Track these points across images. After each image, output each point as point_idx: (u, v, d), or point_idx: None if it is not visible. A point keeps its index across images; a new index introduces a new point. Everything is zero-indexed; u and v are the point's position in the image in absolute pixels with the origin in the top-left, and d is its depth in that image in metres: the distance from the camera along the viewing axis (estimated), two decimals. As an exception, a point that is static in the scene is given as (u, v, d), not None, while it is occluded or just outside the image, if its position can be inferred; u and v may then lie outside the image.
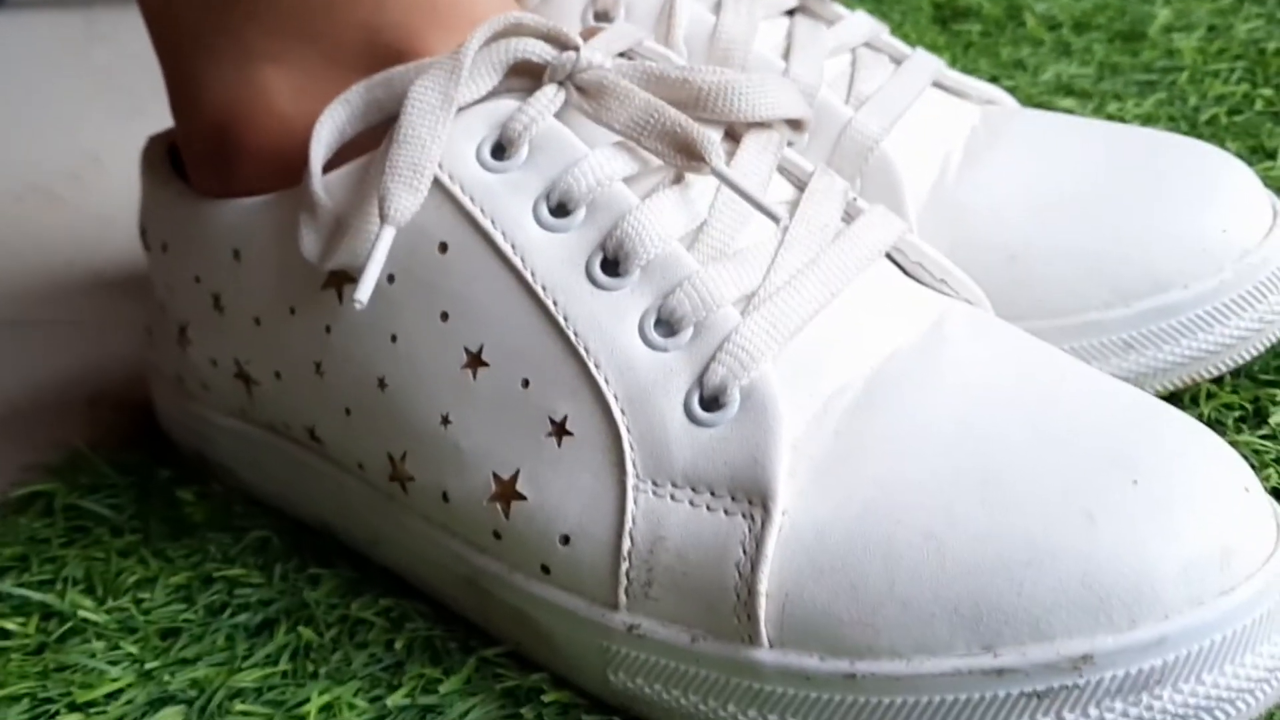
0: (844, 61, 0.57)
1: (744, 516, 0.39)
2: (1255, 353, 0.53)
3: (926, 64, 0.58)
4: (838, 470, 0.39)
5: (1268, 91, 0.75)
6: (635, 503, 0.40)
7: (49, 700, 0.45)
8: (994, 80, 0.80)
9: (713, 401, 0.40)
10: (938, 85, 0.58)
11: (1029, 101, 0.76)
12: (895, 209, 0.53)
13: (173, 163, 0.53)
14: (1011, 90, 0.77)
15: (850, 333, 0.41)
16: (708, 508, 0.39)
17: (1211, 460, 0.38)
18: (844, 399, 0.40)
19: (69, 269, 0.74)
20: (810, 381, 0.40)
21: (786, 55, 0.56)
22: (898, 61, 0.58)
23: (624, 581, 0.40)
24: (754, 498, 0.39)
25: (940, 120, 0.56)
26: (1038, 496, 0.36)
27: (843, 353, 0.41)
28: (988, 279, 0.49)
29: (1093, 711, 0.35)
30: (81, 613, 0.48)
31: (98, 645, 0.47)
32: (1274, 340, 0.53)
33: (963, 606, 0.36)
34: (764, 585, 0.38)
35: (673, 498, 0.40)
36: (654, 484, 0.40)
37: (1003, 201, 0.53)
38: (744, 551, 0.38)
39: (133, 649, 0.47)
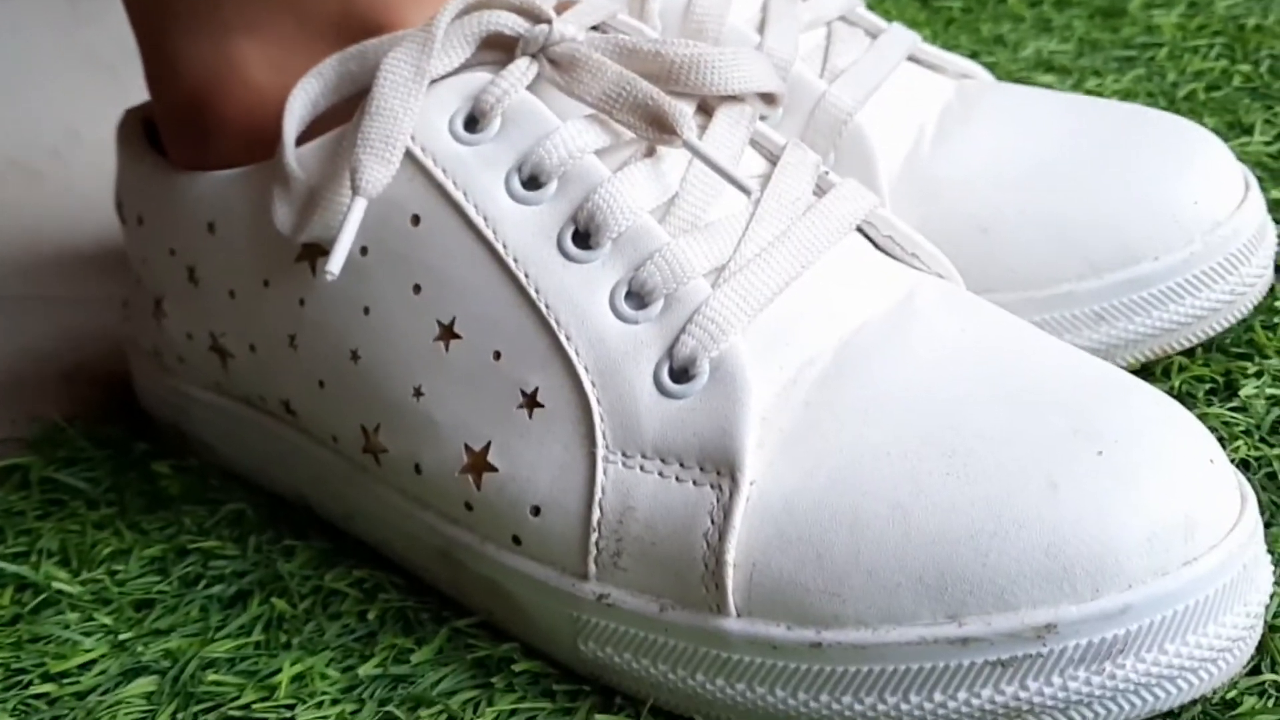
0: (819, 35, 0.57)
1: (712, 487, 0.39)
2: (1226, 325, 0.53)
3: (902, 38, 0.58)
4: (806, 441, 0.39)
5: (1246, 68, 0.75)
6: (605, 473, 0.40)
7: (23, 670, 0.45)
8: (974, 56, 0.80)
9: (682, 373, 0.40)
10: (913, 59, 0.58)
11: (1008, 78, 0.76)
12: (868, 182, 0.53)
13: (150, 137, 0.53)
14: (991, 66, 0.77)
15: (820, 305, 0.42)
16: (676, 478, 0.39)
17: (1177, 432, 0.38)
18: (813, 370, 0.40)
19: (48, 245, 0.74)
20: (780, 353, 0.40)
21: (761, 28, 0.55)
22: (873, 36, 0.58)
23: (593, 551, 0.40)
24: (722, 468, 0.39)
25: (915, 94, 0.56)
26: (1003, 467, 0.37)
27: (812, 325, 0.41)
28: (960, 251, 0.49)
29: (1056, 680, 0.35)
30: (56, 584, 0.49)
31: (72, 616, 0.47)
32: (1245, 312, 0.53)
33: (928, 576, 0.36)
34: (731, 555, 0.38)
35: (642, 469, 0.40)
36: (624, 455, 0.40)
37: (976, 174, 0.53)
38: (712, 522, 0.39)
39: (107, 620, 0.47)
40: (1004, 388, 0.39)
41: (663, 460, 0.40)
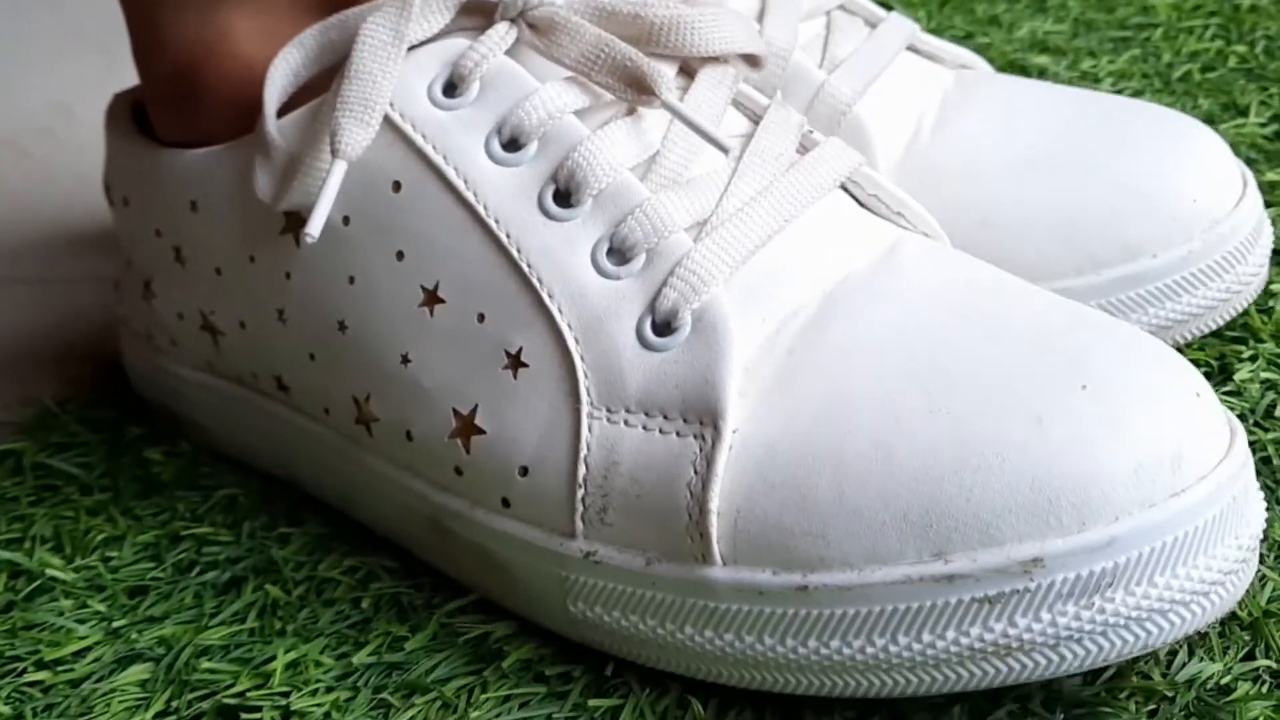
0: (819, 25, 0.57)
1: (695, 437, 0.39)
2: (1222, 322, 0.53)
3: (901, 28, 0.58)
4: (789, 387, 0.39)
5: (1241, 48, 0.75)
6: (590, 430, 0.40)
7: (17, 658, 0.45)
8: (969, 37, 0.80)
9: (665, 326, 0.40)
10: (912, 49, 0.58)
11: (1003, 58, 0.76)
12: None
13: (138, 121, 0.54)
14: (986, 47, 0.77)
15: (804, 259, 0.41)
16: (660, 431, 0.39)
17: (1162, 366, 0.37)
18: (797, 322, 0.40)
19: (40, 225, 0.74)
20: (763, 305, 0.40)
21: (760, 17, 0.55)
22: (872, 25, 0.58)
23: (580, 508, 0.40)
24: (705, 418, 0.39)
25: (913, 84, 0.56)
26: (987, 402, 0.36)
27: (796, 278, 0.41)
28: (959, 243, 0.49)
29: (1045, 615, 0.35)
30: (50, 571, 0.48)
31: (66, 603, 0.47)
32: (1240, 309, 0.53)
33: (912, 514, 0.36)
34: (715, 503, 0.38)
35: (626, 423, 0.40)
36: (608, 410, 0.40)
37: (975, 167, 0.53)
38: (695, 471, 0.38)
39: (101, 607, 0.47)
40: (988, 328, 0.39)
41: (646, 414, 0.40)
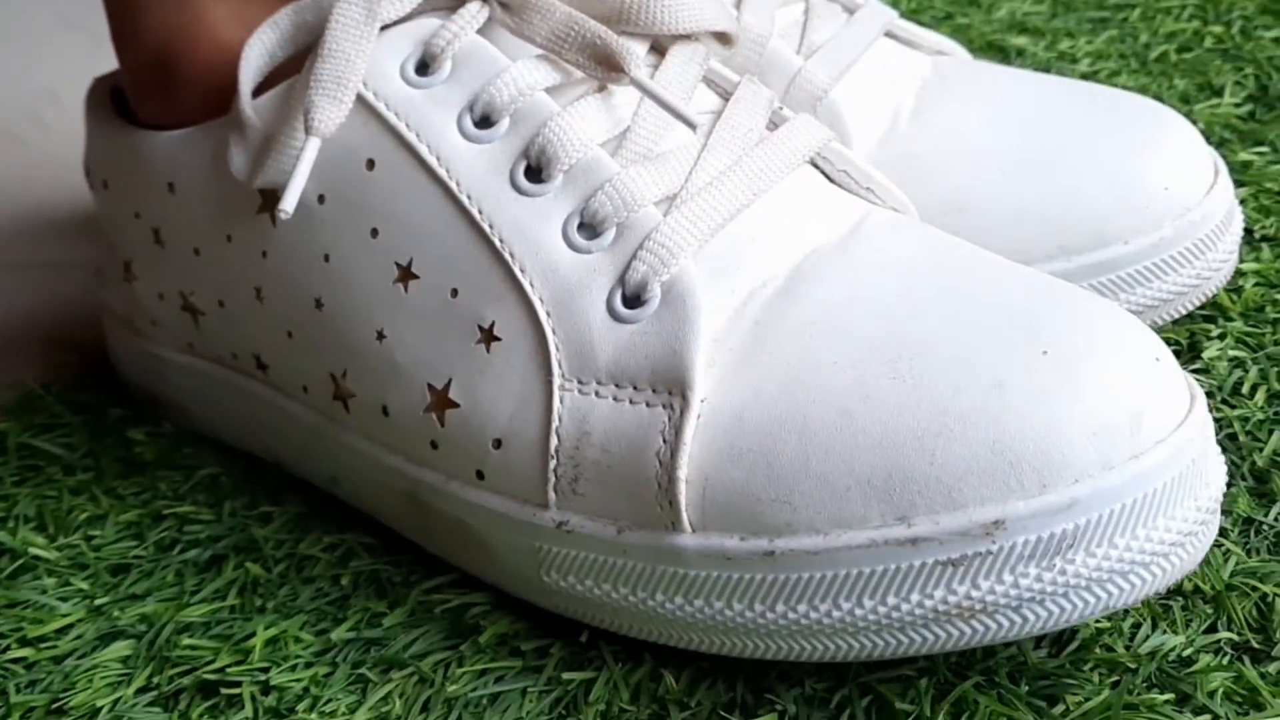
0: (797, 10, 0.57)
1: (664, 407, 0.39)
2: (1192, 307, 0.53)
3: (879, 14, 0.58)
4: (757, 356, 0.39)
5: (1217, 29, 0.76)
6: (561, 401, 0.40)
7: (0, 635, 0.45)
8: (948, 18, 0.80)
9: (635, 299, 0.40)
10: (890, 35, 0.58)
11: (982, 39, 0.77)
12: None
13: (117, 105, 0.54)
14: (965, 28, 0.78)
15: (773, 232, 0.42)
16: (630, 401, 0.40)
17: (1121, 331, 0.38)
18: (765, 293, 0.41)
19: (27, 210, 0.74)
20: (731, 278, 0.41)
21: (738, 3, 0.56)
22: (851, 11, 0.58)
23: (552, 479, 0.41)
24: (673, 388, 0.39)
25: (891, 71, 0.56)
26: (949, 369, 0.37)
27: (764, 250, 0.41)
28: (934, 229, 0.50)
29: (1007, 577, 0.35)
30: (33, 550, 0.49)
31: (49, 582, 0.48)
32: (1210, 295, 0.54)
33: (876, 478, 0.36)
34: (683, 471, 0.38)
35: (597, 394, 0.40)
36: (579, 382, 0.40)
37: (950, 154, 0.54)
38: (664, 440, 0.39)
39: (83, 585, 0.47)
40: (951, 297, 0.39)
41: (616, 385, 0.40)
